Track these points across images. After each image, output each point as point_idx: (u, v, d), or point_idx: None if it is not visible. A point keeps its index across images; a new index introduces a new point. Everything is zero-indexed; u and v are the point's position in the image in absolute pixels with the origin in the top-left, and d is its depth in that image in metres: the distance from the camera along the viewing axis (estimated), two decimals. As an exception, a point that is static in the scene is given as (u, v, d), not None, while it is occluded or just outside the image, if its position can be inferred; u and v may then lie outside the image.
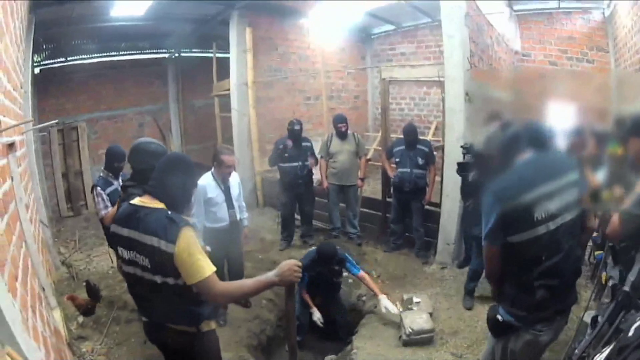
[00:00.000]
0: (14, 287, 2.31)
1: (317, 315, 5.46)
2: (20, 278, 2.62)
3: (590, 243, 4.41)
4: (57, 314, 4.44)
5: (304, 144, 7.29)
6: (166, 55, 11.13)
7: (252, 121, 9.19)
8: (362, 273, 5.60)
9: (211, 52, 10.36)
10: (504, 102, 5.35)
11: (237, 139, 9.16)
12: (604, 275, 3.76)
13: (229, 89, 9.35)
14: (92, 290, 4.50)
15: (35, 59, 7.60)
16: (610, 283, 3.62)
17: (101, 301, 5.07)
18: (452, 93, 6.18)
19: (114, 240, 2.84)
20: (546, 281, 2.65)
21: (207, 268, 2.55)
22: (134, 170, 4.03)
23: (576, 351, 3.76)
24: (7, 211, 2.77)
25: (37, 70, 6.92)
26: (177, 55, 11.30)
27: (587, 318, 3.73)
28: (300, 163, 7.22)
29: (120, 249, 2.78)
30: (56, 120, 4.89)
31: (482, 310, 5.47)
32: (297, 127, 7.16)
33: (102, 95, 9.67)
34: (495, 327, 2.90)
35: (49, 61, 8.86)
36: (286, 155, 7.20)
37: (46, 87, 8.38)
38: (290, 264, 2.68)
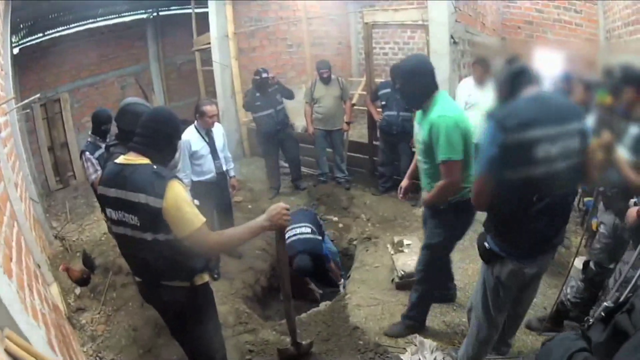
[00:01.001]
0: (9, 268, 2.31)
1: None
2: (14, 258, 2.62)
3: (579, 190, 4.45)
4: (55, 289, 4.48)
5: (270, 89, 7.19)
6: (145, 16, 10.82)
7: (235, 73, 9.06)
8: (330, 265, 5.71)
9: (190, 8, 10.11)
10: (489, 47, 5.32)
11: (221, 91, 9.04)
12: (594, 222, 3.82)
13: (209, 43, 9.16)
14: (88, 261, 4.51)
15: (13, 40, 7.36)
16: (601, 228, 3.68)
17: (96, 270, 5.11)
18: (437, 36, 6.09)
19: (101, 203, 2.85)
20: (534, 222, 2.66)
21: (197, 220, 2.55)
22: (121, 130, 4.02)
23: (568, 296, 3.89)
24: (-3, 192, 2.76)
25: (16, 51, 6.71)
26: (155, 14, 10.97)
27: (578, 263, 3.81)
28: (272, 110, 7.17)
29: (108, 211, 2.76)
30: (38, 95, 4.78)
31: (473, 254, 5.55)
32: (264, 75, 7.05)
33: (82, 63, 9.46)
34: (483, 254, 2.97)
35: (27, 39, 8.59)
36: (257, 104, 7.15)
37: (26, 64, 8.19)
38: (279, 207, 2.70)
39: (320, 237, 5.64)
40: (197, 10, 10.01)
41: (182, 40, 10.73)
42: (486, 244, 2.89)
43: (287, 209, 2.73)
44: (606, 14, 7.28)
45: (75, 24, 9.50)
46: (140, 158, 2.69)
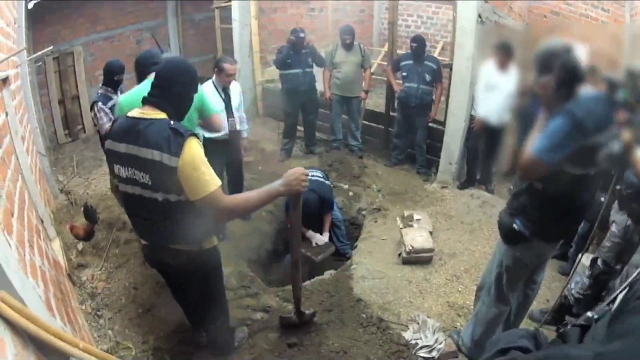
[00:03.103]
0: (10, 223, 2.23)
1: (317, 238, 5.47)
2: (16, 213, 2.55)
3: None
4: (57, 245, 4.41)
5: (304, 51, 7.06)
6: None
7: (254, 32, 8.84)
8: (329, 215, 5.62)
9: None
10: (514, 31, 5.19)
11: (238, 50, 8.79)
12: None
13: (230, 1, 8.88)
14: (89, 213, 4.45)
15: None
16: (612, 227, 3.68)
17: (99, 223, 5.01)
18: (465, 14, 5.94)
19: (109, 158, 2.69)
20: (569, 210, 2.77)
21: (213, 182, 2.45)
22: (138, 78, 3.95)
23: (572, 291, 3.87)
24: (1, 145, 2.69)
25: (31, 5, 6.54)
26: None
27: (585, 260, 3.78)
28: (301, 70, 7.04)
29: (116, 167, 2.63)
30: (50, 47, 4.68)
31: (480, 235, 5.53)
32: (301, 35, 6.91)
33: (99, 17, 9.14)
34: (510, 235, 2.98)
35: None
36: (288, 61, 7.01)
37: (42, 17, 7.90)
38: (298, 172, 2.62)
39: (328, 181, 5.65)
40: (220, -34, 9.77)
41: None
42: (515, 226, 2.90)
43: (306, 174, 2.65)
44: (633, 17, 7.10)
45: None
46: (156, 112, 2.56)
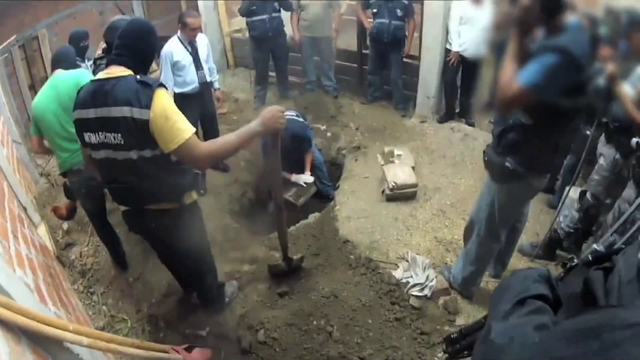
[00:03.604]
0: (-10, 218, 2.16)
1: (302, 179, 5.40)
2: (-5, 207, 2.49)
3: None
4: (42, 229, 4.38)
5: None
6: None
7: None
8: (309, 154, 5.52)
9: None
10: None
11: (202, 3, 8.53)
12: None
13: None
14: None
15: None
16: (600, 160, 3.68)
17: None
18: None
19: (78, 128, 2.58)
20: (558, 141, 2.74)
21: (187, 130, 2.37)
22: (109, 45, 3.90)
23: (562, 225, 3.88)
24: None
25: None
26: None
27: (574, 193, 3.77)
28: (267, 16, 6.81)
29: (86, 135, 2.53)
30: (13, 37, 4.51)
31: (464, 168, 5.51)
32: None
33: None
34: (503, 174, 2.94)
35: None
36: (252, 8, 6.78)
37: (4, 11, 7.65)
38: (273, 110, 2.51)
39: (305, 122, 5.56)
40: None
41: None
42: (508, 164, 2.85)
43: (282, 111, 2.54)
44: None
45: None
46: (122, 70, 2.47)
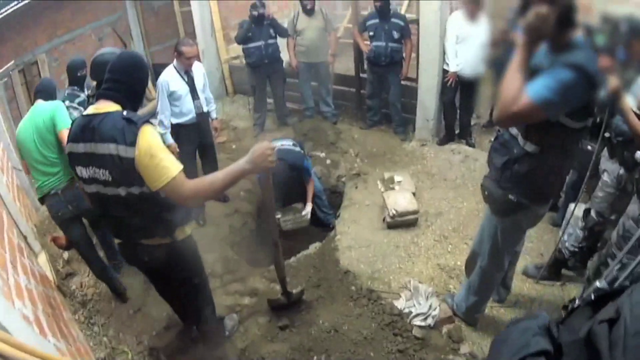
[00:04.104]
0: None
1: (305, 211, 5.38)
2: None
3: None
4: (43, 258, 4.39)
5: (265, 22, 6.86)
6: None
7: (214, 10, 8.59)
8: (310, 184, 5.47)
9: None
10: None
11: (200, 30, 8.59)
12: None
13: None
14: None
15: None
16: (604, 177, 3.59)
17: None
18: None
19: (71, 161, 2.59)
20: (563, 167, 2.73)
21: (173, 167, 2.31)
22: (97, 84, 4.03)
23: (567, 244, 3.81)
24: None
25: None
26: None
27: (578, 211, 3.71)
28: (263, 42, 6.85)
29: (78, 169, 2.54)
30: (12, 62, 4.57)
31: (465, 191, 5.45)
32: (261, 11, 6.73)
33: (58, 20, 8.88)
34: (508, 207, 2.83)
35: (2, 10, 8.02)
36: (249, 35, 6.82)
37: (3, 35, 7.75)
38: (263, 147, 2.42)
39: (302, 151, 5.49)
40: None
41: None
42: (512, 197, 2.75)
43: (272, 149, 2.46)
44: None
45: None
46: (110, 105, 2.46)
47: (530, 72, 2.23)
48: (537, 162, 2.57)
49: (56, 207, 3.87)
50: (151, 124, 2.40)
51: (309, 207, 5.39)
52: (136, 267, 3.08)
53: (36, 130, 3.74)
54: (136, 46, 10.20)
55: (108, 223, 2.77)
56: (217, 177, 2.43)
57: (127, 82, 2.54)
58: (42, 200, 3.97)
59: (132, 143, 2.27)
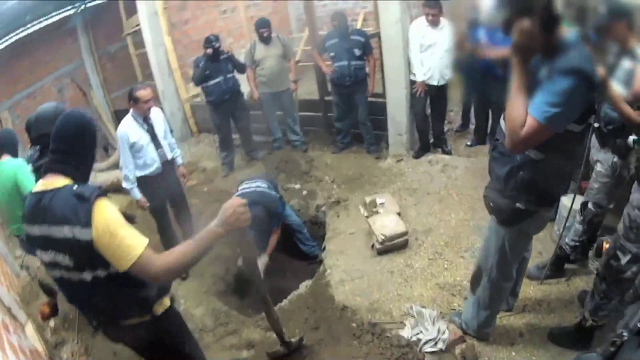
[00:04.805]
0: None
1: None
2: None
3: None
4: (30, 328, 4.16)
5: (222, 56, 6.71)
6: (72, 12, 9.95)
7: (169, 49, 8.50)
8: (275, 234, 5.25)
9: None
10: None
11: (157, 71, 8.48)
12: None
13: (139, 24, 8.54)
14: (45, 288, 4.11)
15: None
16: (598, 167, 3.53)
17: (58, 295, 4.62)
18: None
19: (30, 245, 2.33)
20: (567, 168, 2.63)
21: (137, 245, 2.05)
22: (33, 140, 4.03)
23: (567, 239, 3.72)
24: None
25: None
26: (84, 7, 10.09)
27: (568, 202, 3.66)
28: (222, 78, 6.70)
29: (39, 253, 2.26)
30: None
31: (451, 202, 5.32)
32: (216, 45, 6.57)
33: (16, 76, 8.82)
34: (514, 216, 2.73)
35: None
36: (207, 73, 6.66)
37: None
38: (234, 205, 2.18)
39: (278, 195, 5.31)
40: (125, -7, 9.33)
41: (113, 28, 10.05)
42: (519, 205, 2.64)
43: (245, 204, 2.23)
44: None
45: (5, 38, 8.67)
46: (58, 180, 2.19)
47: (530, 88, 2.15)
48: (542, 167, 2.47)
49: (27, 250, 3.87)
50: (104, 196, 2.15)
51: (264, 258, 5.04)
52: (122, 344, 2.83)
53: (2, 186, 3.84)
54: (96, 94, 10.07)
55: (80, 308, 2.55)
56: (188, 247, 2.16)
57: (73, 150, 2.27)
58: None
59: (87, 223, 2.02)
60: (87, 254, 2.05)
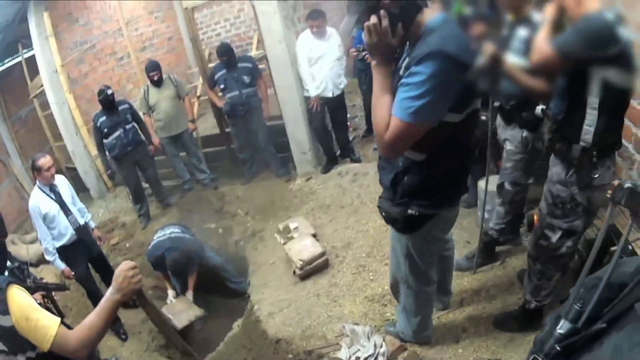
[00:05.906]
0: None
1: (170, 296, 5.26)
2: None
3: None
4: None
5: (120, 107, 6.57)
6: None
7: (73, 106, 8.19)
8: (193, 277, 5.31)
9: (19, 55, 8.98)
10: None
11: (65, 131, 8.17)
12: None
13: (42, 85, 8.21)
14: None
15: None
16: (507, 145, 3.46)
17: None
18: (261, -2, 5.76)
19: None
20: (462, 164, 2.47)
21: (51, 325, 2.04)
22: None
23: (490, 224, 3.78)
24: None
25: None
26: None
27: (491, 186, 3.64)
28: (121, 130, 6.53)
29: None
30: None
31: (365, 210, 5.35)
32: (109, 93, 6.38)
33: None
34: (410, 223, 2.56)
35: None
36: (106, 128, 6.48)
37: None
38: (123, 269, 2.16)
39: (193, 237, 5.37)
40: (26, 55, 8.91)
41: (21, 91, 9.55)
42: (412, 212, 2.48)
43: (135, 267, 2.18)
44: None
45: None
46: None
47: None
48: (427, 168, 2.35)
49: None
50: (13, 282, 2.11)
51: (189, 295, 5.22)
52: None
53: None
54: (14, 162, 9.60)
55: None
56: (92, 319, 2.17)
57: None
58: None
59: (5, 311, 1.99)
60: (14, 338, 2.03)
